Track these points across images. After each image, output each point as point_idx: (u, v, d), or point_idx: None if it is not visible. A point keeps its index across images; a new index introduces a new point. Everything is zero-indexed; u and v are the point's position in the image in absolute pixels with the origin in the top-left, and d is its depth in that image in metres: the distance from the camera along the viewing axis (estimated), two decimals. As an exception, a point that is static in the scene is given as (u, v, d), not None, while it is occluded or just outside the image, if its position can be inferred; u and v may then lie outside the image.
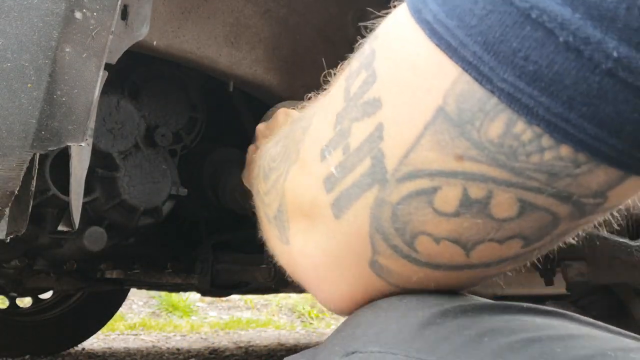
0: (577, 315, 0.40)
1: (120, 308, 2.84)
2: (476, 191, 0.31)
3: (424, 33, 0.31)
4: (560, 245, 0.37)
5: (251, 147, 0.91)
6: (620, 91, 0.28)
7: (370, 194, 0.33)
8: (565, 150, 0.30)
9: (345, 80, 0.36)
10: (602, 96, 0.28)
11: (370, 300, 0.39)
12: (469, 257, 0.34)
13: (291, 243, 0.40)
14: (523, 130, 0.30)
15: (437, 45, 0.31)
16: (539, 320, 0.37)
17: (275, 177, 0.44)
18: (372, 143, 0.33)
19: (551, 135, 0.29)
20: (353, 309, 0.40)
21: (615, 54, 0.27)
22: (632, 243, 1.30)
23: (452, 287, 0.38)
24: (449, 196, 0.32)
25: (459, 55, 0.30)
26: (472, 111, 0.30)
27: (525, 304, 0.38)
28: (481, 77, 0.30)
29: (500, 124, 0.30)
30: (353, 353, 0.39)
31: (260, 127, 0.91)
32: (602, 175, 0.30)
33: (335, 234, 0.36)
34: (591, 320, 0.40)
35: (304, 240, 0.38)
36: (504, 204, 0.32)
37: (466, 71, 0.30)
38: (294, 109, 0.84)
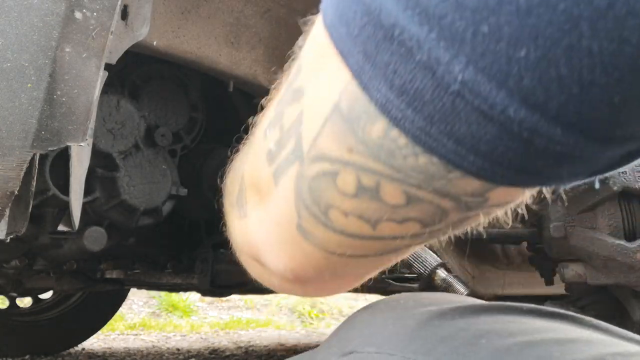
0: (580, 317, 0.39)
1: (120, 308, 2.84)
2: (367, 180, 0.34)
3: (327, 34, 0.34)
4: (478, 229, 0.39)
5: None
6: (470, 112, 0.29)
7: (294, 168, 0.37)
8: (435, 159, 0.32)
9: (289, 69, 0.41)
10: (455, 115, 0.30)
11: (315, 274, 0.41)
12: (375, 231, 0.37)
13: (248, 215, 0.43)
14: (398, 135, 0.32)
15: (335, 48, 0.33)
16: (539, 322, 0.37)
17: (238, 164, 0.48)
18: (296, 126, 0.37)
19: (418, 146, 0.31)
20: (298, 284, 0.42)
21: (461, 77, 0.29)
22: (629, 245, 1.30)
23: (369, 253, 0.40)
24: (347, 180, 0.35)
25: (348, 62, 0.32)
26: (358, 112, 0.33)
27: (525, 305, 0.38)
28: (363, 85, 0.32)
29: (380, 127, 0.32)
30: (350, 353, 0.39)
31: None
32: (473, 182, 0.32)
33: (274, 202, 0.40)
34: (594, 321, 0.40)
35: (257, 211, 0.42)
36: (391, 193, 0.34)
37: (354, 77, 0.32)
38: None
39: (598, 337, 0.38)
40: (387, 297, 0.44)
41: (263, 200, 0.41)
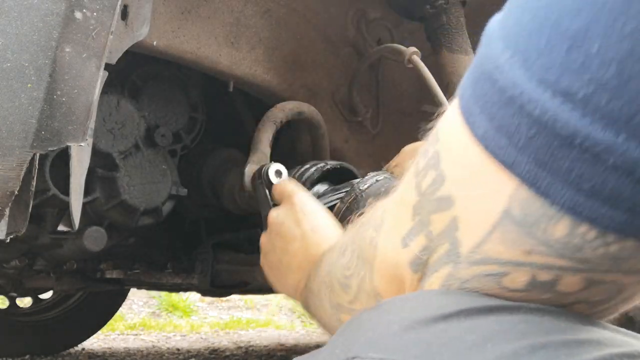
0: (587, 316, 0.39)
1: (120, 308, 2.84)
2: (544, 276, 0.36)
3: (480, 146, 0.36)
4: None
5: (263, 238, 0.89)
6: None
7: (444, 269, 0.39)
8: (630, 242, 0.33)
9: (415, 177, 0.42)
10: None
11: None
12: None
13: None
14: (587, 230, 0.33)
15: (495, 159, 0.35)
16: (547, 322, 0.37)
17: (358, 282, 0.50)
18: (450, 232, 0.38)
19: (617, 235, 0.33)
20: None
21: None
22: None
23: None
24: (517, 279, 0.36)
25: (514, 171, 0.34)
26: (536, 216, 0.34)
27: (532, 305, 0.38)
28: (539, 190, 0.33)
29: (564, 226, 0.33)
30: (353, 358, 0.39)
31: (272, 215, 0.88)
32: None
33: None
34: (602, 322, 0.39)
35: None
36: (571, 284, 0.36)
37: (524, 184, 0.34)
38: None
39: (607, 337, 0.37)
40: (393, 297, 0.44)
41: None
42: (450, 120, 0.40)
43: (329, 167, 1.05)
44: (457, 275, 0.38)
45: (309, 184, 1.03)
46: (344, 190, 0.96)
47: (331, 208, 0.93)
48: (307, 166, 1.07)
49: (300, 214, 0.81)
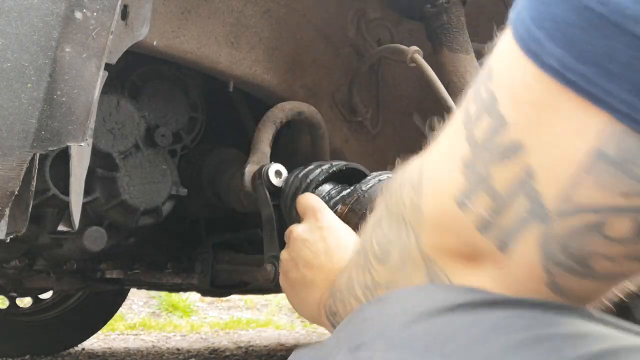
0: (588, 311, 0.39)
1: (120, 308, 2.84)
2: None
3: (551, 78, 0.31)
4: None
5: (284, 255, 0.85)
6: None
7: (533, 229, 0.35)
8: None
9: (464, 125, 0.37)
10: None
11: None
12: None
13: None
14: None
15: (575, 92, 0.31)
16: (550, 316, 0.37)
17: (400, 251, 0.44)
18: (524, 184, 0.34)
19: None
20: None
21: None
22: None
23: (619, 281, 0.39)
24: (620, 227, 0.33)
25: (606, 103, 0.30)
26: (633, 151, 0.30)
27: (536, 300, 0.37)
28: (637, 123, 0.30)
29: None
30: (359, 347, 0.39)
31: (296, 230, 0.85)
32: None
33: (507, 266, 0.38)
34: (604, 315, 0.39)
35: (474, 280, 0.40)
36: None
37: (616, 116, 0.30)
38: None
39: (609, 331, 0.37)
40: (399, 290, 0.44)
41: (481, 268, 0.39)
42: (506, 53, 0.35)
43: (334, 168, 1.04)
44: (552, 233, 0.34)
45: (315, 185, 1.02)
46: (345, 192, 0.95)
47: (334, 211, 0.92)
48: (312, 167, 1.06)
49: (325, 230, 0.79)
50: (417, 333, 0.38)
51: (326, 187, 1.01)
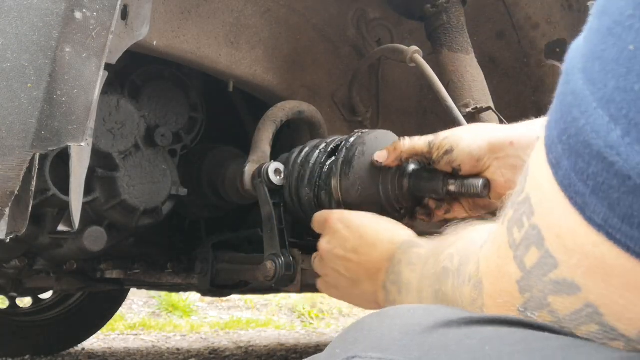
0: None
1: (120, 308, 2.84)
2: None
3: (599, 234, 0.32)
4: None
5: (317, 265, 0.92)
6: None
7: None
8: None
9: (512, 249, 0.39)
10: None
11: None
12: None
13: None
14: None
15: (624, 250, 0.32)
16: (545, 333, 0.37)
17: None
18: (592, 316, 0.35)
19: None
20: None
21: None
22: None
23: None
24: None
25: None
26: None
27: (533, 321, 0.38)
28: None
29: None
30: (353, 358, 0.39)
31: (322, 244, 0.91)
32: None
33: None
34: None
35: None
36: None
37: None
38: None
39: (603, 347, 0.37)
40: (398, 305, 0.45)
41: None
42: (547, 190, 0.36)
43: (332, 145, 1.05)
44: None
45: (319, 169, 1.03)
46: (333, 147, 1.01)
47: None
48: (307, 149, 1.08)
49: (344, 231, 0.86)
50: (413, 343, 0.38)
51: (328, 163, 1.03)
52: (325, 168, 1.02)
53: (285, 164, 1.10)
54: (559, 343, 0.36)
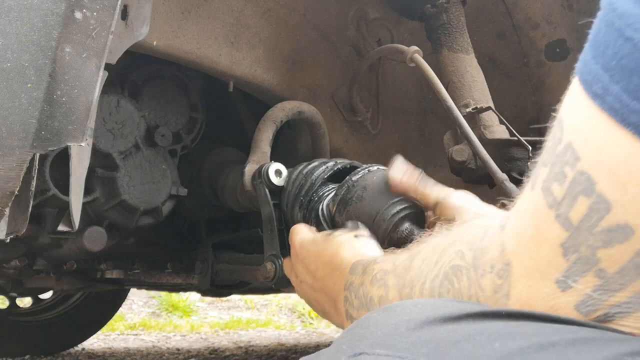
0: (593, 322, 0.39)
1: (120, 308, 2.84)
2: None
3: None
4: None
5: (293, 281, 0.94)
6: None
7: None
8: None
9: (549, 207, 0.37)
10: None
11: None
12: None
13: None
14: None
15: None
16: (555, 325, 0.37)
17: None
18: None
19: None
20: None
21: None
22: None
23: None
24: None
25: None
26: None
27: (540, 313, 0.37)
28: None
29: None
30: (360, 354, 0.39)
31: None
32: None
33: None
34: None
35: None
36: None
37: None
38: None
39: (613, 336, 0.37)
40: (404, 301, 0.44)
41: None
42: (593, 127, 0.34)
43: (339, 166, 1.04)
44: None
45: (319, 183, 1.03)
46: (338, 186, 0.97)
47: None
48: (315, 164, 1.06)
49: (300, 261, 0.87)
50: (420, 339, 0.38)
51: (330, 186, 1.02)
52: (322, 193, 1.01)
53: (288, 176, 1.09)
54: (569, 337, 0.35)
